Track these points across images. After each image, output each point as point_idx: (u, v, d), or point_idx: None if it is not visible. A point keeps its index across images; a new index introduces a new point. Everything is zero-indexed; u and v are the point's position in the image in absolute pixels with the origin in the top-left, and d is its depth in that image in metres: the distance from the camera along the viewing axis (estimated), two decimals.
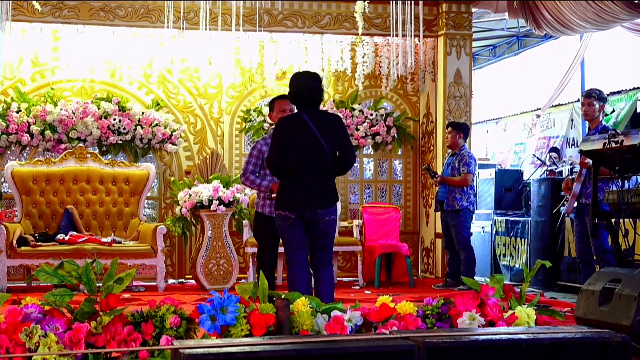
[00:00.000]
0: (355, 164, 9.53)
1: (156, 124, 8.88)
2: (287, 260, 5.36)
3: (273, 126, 6.22)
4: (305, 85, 5.31)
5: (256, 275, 6.65)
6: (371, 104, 9.61)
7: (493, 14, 10.24)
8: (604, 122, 7.02)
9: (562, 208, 8.58)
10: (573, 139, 12.02)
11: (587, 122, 7.21)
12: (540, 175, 10.10)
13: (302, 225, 5.25)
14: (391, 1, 8.35)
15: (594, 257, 6.71)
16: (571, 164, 10.03)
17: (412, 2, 8.31)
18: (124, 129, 8.77)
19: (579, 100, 10.52)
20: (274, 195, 5.89)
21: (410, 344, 2.94)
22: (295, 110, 6.03)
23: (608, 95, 10.91)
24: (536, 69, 16.53)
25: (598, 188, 5.76)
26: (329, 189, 5.30)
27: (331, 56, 9.32)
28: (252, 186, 6.13)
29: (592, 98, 6.91)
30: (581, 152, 5.71)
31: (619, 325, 4.09)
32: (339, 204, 5.48)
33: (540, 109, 12.96)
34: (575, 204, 6.82)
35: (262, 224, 6.13)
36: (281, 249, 6.29)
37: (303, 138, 5.22)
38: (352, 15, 8.80)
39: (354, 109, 9.42)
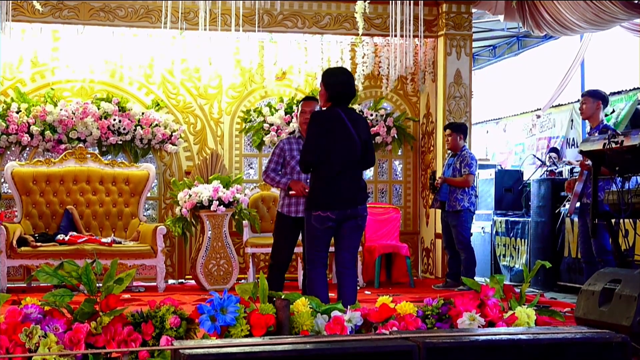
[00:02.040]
0: None
1: (156, 125, 8.88)
2: (308, 261, 5.31)
3: (292, 127, 6.29)
4: (349, 82, 5.32)
5: (267, 273, 6.61)
6: (371, 104, 9.61)
7: (493, 14, 10.22)
8: (605, 122, 7.01)
9: (562, 209, 8.59)
10: (573, 139, 12.02)
11: (587, 122, 7.20)
12: (540, 176, 10.10)
13: (335, 227, 5.21)
14: (391, 1, 8.35)
15: (595, 258, 6.70)
16: (570, 164, 10.03)
17: (412, 2, 8.31)
18: (124, 129, 8.77)
19: (579, 100, 10.51)
20: (291, 192, 5.92)
21: (410, 344, 2.94)
22: (317, 108, 6.07)
23: (608, 95, 10.92)
24: (536, 69, 16.53)
25: (599, 188, 5.76)
26: (363, 185, 5.34)
27: (331, 56, 9.32)
28: (272, 183, 6.20)
29: (586, 96, 6.92)
30: (581, 152, 5.71)
31: (619, 326, 4.09)
32: None
33: (540, 109, 12.96)
34: (577, 204, 6.82)
35: (282, 223, 6.14)
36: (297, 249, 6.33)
37: (341, 134, 5.18)
38: (352, 16, 8.80)
39: (354, 110, 9.40)
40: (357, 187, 5.25)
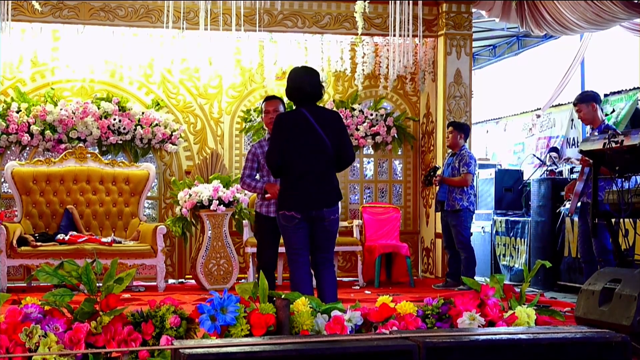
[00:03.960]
0: (355, 164, 9.57)
1: (156, 124, 8.88)
2: (289, 262, 5.28)
3: (265, 128, 6.27)
4: (306, 80, 5.19)
5: (256, 275, 6.64)
6: (371, 104, 9.61)
7: (488, 17, 10.22)
8: (606, 121, 6.96)
9: (562, 208, 8.59)
10: (573, 139, 12.01)
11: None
12: (540, 175, 10.10)
13: (307, 226, 5.17)
14: (391, 1, 8.35)
15: (597, 258, 6.69)
16: (571, 164, 10.03)
17: (412, 2, 8.31)
18: (124, 129, 8.77)
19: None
20: (267, 195, 5.92)
21: (410, 344, 2.94)
22: (281, 109, 6.08)
23: (608, 95, 10.93)
24: (536, 69, 16.52)
25: (599, 188, 5.76)
26: (333, 187, 5.22)
27: (331, 56, 9.32)
28: (249, 189, 6.18)
29: (579, 104, 6.85)
30: (581, 152, 5.71)
31: (619, 325, 4.09)
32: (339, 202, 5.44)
33: (540, 109, 12.96)
34: (578, 204, 6.80)
35: (261, 223, 6.14)
36: (281, 249, 6.31)
37: (305, 135, 5.10)
38: (352, 15, 8.80)
39: (354, 109, 9.42)
40: (322, 190, 5.15)
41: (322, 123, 5.14)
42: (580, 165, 6.93)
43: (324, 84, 5.38)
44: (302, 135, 5.12)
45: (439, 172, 8.67)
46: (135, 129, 8.83)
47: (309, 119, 5.12)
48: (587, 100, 6.81)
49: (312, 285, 5.24)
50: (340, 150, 5.19)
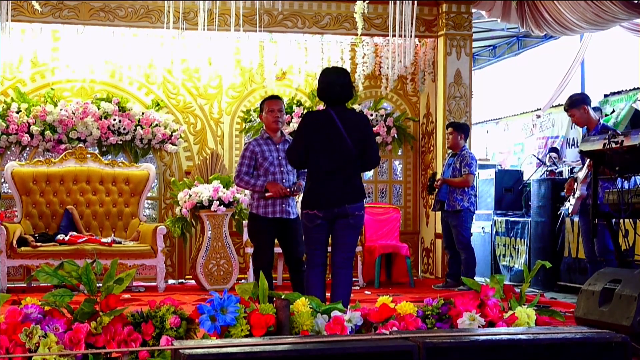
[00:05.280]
0: None
1: (156, 125, 8.88)
2: (306, 261, 5.40)
3: (263, 127, 6.24)
4: (334, 82, 5.25)
5: (253, 276, 6.64)
6: (371, 104, 9.61)
7: (489, 17, 10.22)
8: (602, 122, 6.93)
9: (562, 208, 8.59)
10: (573, 139, 12.02)
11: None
12: (540, 176, 10.09)
13: (327, 226, 5.24)
14: (391, 1, 8.35)
15: (598, 257, 6.68)
16: (570, 166, 10.03)
17: (412, 2, 8.31)
18: (124, 129, 8.77)
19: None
20: (268, 194, 5.91)
21: (410, 344, 2.94)
22: (283, 109, 6.15)
23: (608, 95, 10.93)
24: (536, 69, 16.54)
25: (602, 188, 5.76)
26: (356, 185, 5.27)
27: (331, 56, 9.32)
28: (246, 187, 6.10)
29: (571, 110, 6.77)
30: (581, 152, 5.71)
31: (619, 326, 4.09)
32: None
33: (540, 109, 12.96)
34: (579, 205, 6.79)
35: (256, 224, 6.09)
36: (277, 249, 6.31)
37: (330, 136, 5.18)
38: (352, 16, 8.80)
39: (354, 110, 9.41)
40: (347, 187, 5.21)
41: (347, 125, 5.20)
42: (580, 166, 6.91)
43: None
44: (325, 135, 5.20)
45: (438, 176, 8.68)
46: (135, 130, 8.83)
47: (334, 120, 5.19)
48: (577, 105, 6.75)
49: (324, 285, 5.28)
50: (364, 153, 5.25)
